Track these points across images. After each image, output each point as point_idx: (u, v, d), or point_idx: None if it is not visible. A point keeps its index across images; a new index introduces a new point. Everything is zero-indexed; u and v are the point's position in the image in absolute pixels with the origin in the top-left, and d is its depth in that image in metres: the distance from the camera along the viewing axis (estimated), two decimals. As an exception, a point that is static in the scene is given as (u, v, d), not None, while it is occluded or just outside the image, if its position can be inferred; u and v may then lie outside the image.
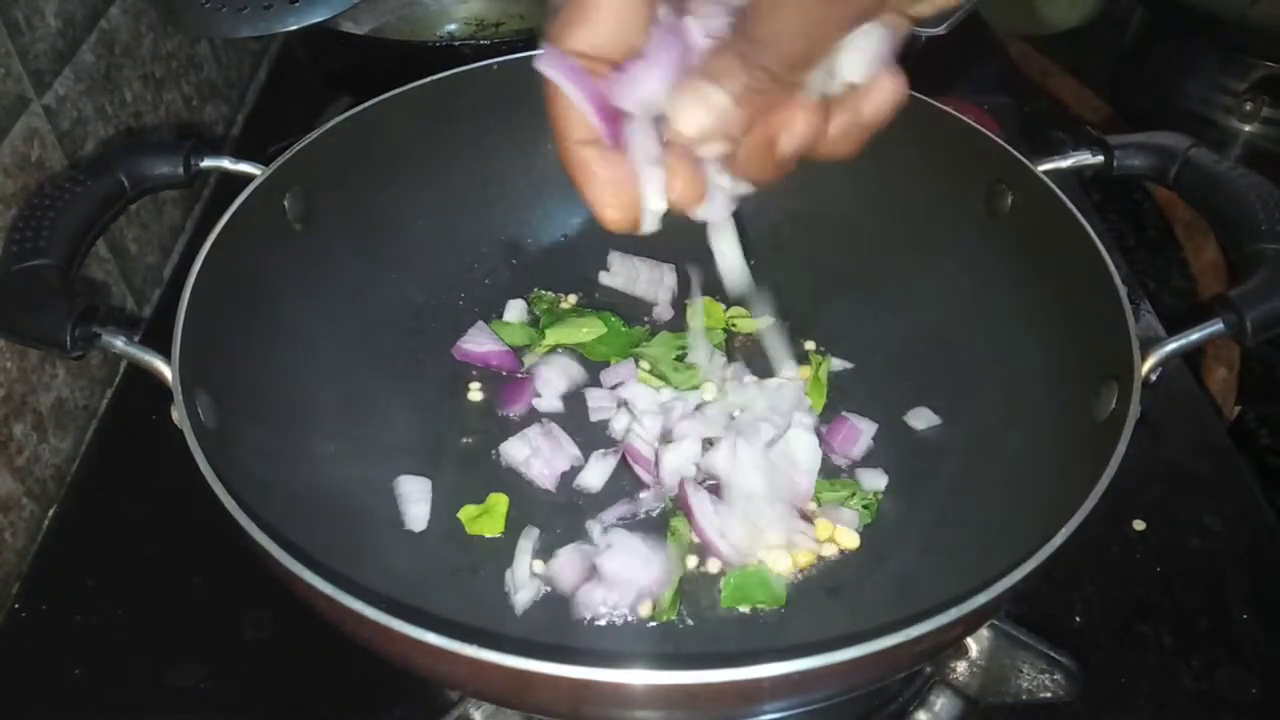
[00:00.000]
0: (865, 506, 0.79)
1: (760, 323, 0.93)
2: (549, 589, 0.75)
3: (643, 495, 0.80)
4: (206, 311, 0.68)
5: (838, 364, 0.89)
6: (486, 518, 0.79)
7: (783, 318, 0.93)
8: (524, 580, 0.75)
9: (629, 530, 0.77)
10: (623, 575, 0.74)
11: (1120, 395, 0.65)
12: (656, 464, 0.81)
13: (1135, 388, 0.62)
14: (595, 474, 0.81)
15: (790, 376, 0.87)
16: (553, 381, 0.88)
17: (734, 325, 0.93)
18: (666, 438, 0.82)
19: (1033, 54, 1.51)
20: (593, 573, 0.75)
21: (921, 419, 0.84)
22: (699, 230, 0.96)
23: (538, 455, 0.82)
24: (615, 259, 0.97)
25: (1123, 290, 0.67)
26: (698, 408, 0.84)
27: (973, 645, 0.74)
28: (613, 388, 0.88)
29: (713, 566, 0.77)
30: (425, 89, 0.86)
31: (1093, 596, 0.80)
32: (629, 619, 0.74)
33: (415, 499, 0.79)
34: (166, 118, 1.11)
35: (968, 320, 0.85)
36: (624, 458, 0.82)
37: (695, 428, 0.82)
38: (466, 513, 0.80)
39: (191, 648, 0.78)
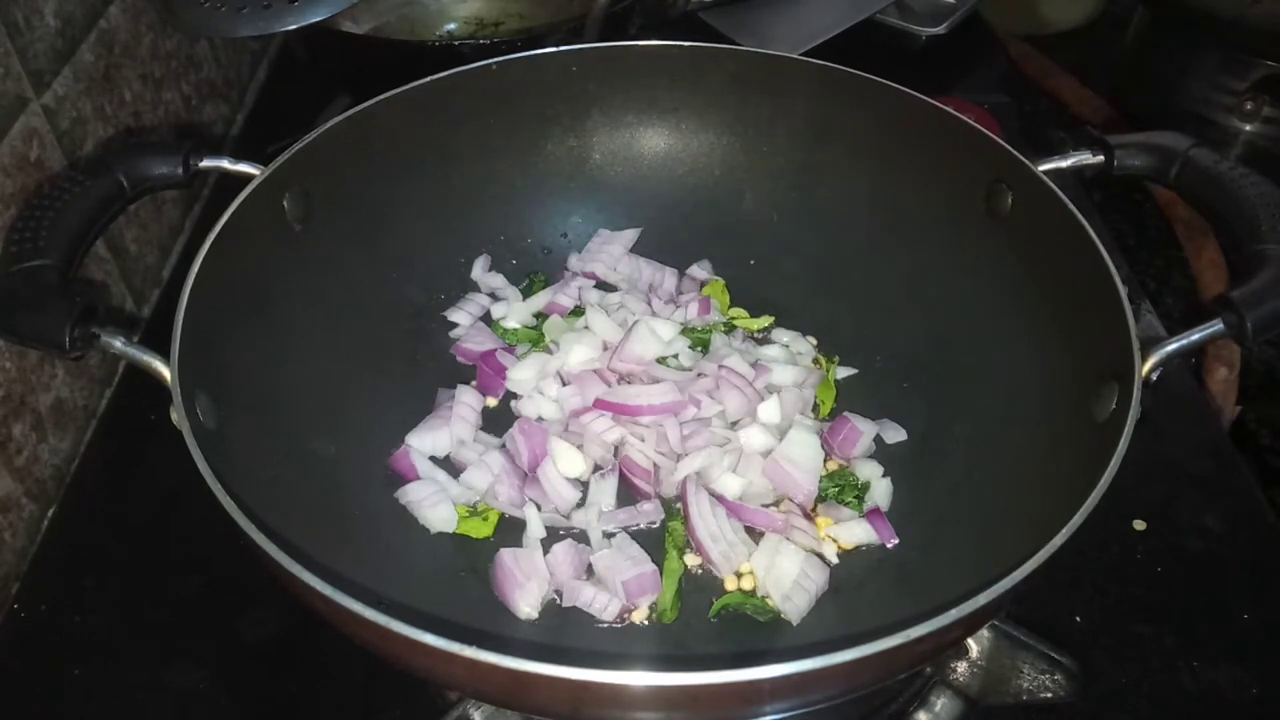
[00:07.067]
0: (857, 497, 0.79)
1: (760, 322, 0.93)
2: (558, 591, 0.75)
3: (645, 506, 0.80)
4: (206, 312, 0.68)
5: (840, 368, 0.90)
6: (477, 520, 0.79)
7: (784, 318, 0.94)
8: (536, 532, 0.77)
9: (628, 535, 0.78)
10: (612, 574, 0.74)
11: (1120, 395, 0.65)
12: (655, 476, 0.81)
13: (1135, 388, 0.62)
14: (603, 494, 0.80)
15: (798, 377, 0.87)
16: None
17: (734, 323, 0.93)
18: (663, 447, 0.82)
19: (1033, 54, 1.51)
20: (586, 569, 0.76)
21: (900, 431, 0.85)
22: (700, 232, 0.96)
23: (500, 481, 0.81)
24: (620, 258, 0.97)
25: (1123, 290, 0.67)
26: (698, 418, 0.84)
27: (973, 646, 0.73)
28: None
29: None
30: (425, 89, 0.86)
31: (1093, 596, 0.80)
32: (629, 619, 0.74)
33: (433, 502, 0.79)
34: (166, 118, 1.11)
35: (968, 320, 0.85)
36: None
37: (698, 437, 0.82)
38: (459, 511, 0.80)
39: (191, 648, 0.78)
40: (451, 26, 1.29)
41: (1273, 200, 0.70)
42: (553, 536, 0.78)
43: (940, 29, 1.34)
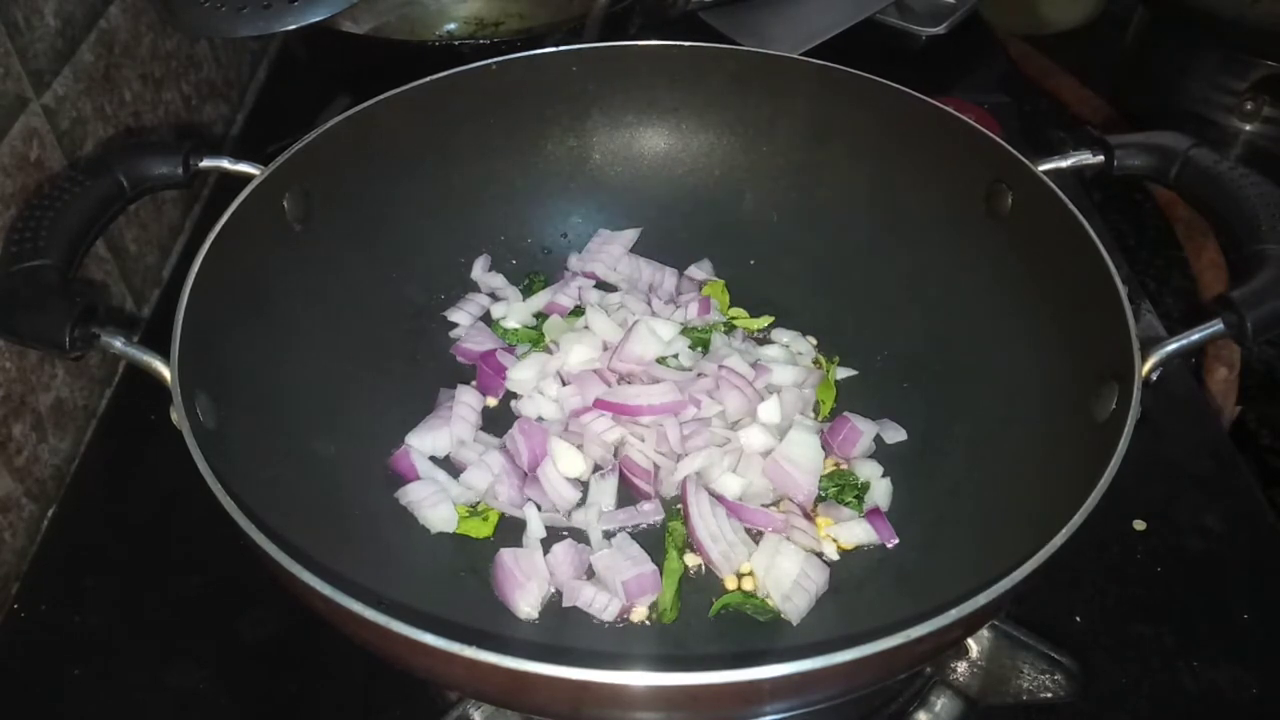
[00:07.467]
0: (857, 497, 0.79)
1: (760, 322, 0.93)
2: (557, 591, 0.75)
3: (645, 506, 0.80)
4: (206, 312, 0.68)
5: (840, 368, 0.90)
6: (477, 520, 0.79)
7: (784, 318, 0.94)
8: (536, 532, 0.77)
9: (628, 535, 0.78)
10: (612, 574, 0.74)
11: (1120, 395, 0.65)
12: (655, 476, 0.81)
13: (1135, 388, 0.62)
14: (603, 494, 0.80)
15: (798, 377, 0.87)
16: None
17: (734, 323, 0.93)
18: (663, 447, 0.82)
19: (1033, 54, 1.51)
20: (586, 569, 0.76)
21: (900, 431, 0.85)
22: (700, 232, 0.96)
23: (500, 481, 0.81)
24: (620, 258, 0.97)
25: (1123, 290, 0.67)
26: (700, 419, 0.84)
27: (973, 646, 0.73)
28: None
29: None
30: (425, 89, 0.86)
31: (1093, 596, 0.80)
32: (629, 619, 0.74)
33: (434, 502, 0.79)
34: (166, 117, 1.11)
35: (968, 320, 0.85)
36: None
37: (698, 437, 0.82)
38: (459, 511, 0.80)
39: (191, 648, 0.78)
40: (451, 26, 1.29)
41: (1273, 200, 0.70)
42: (553, 536, 0.78)
43: (940, 29, 1.34)
